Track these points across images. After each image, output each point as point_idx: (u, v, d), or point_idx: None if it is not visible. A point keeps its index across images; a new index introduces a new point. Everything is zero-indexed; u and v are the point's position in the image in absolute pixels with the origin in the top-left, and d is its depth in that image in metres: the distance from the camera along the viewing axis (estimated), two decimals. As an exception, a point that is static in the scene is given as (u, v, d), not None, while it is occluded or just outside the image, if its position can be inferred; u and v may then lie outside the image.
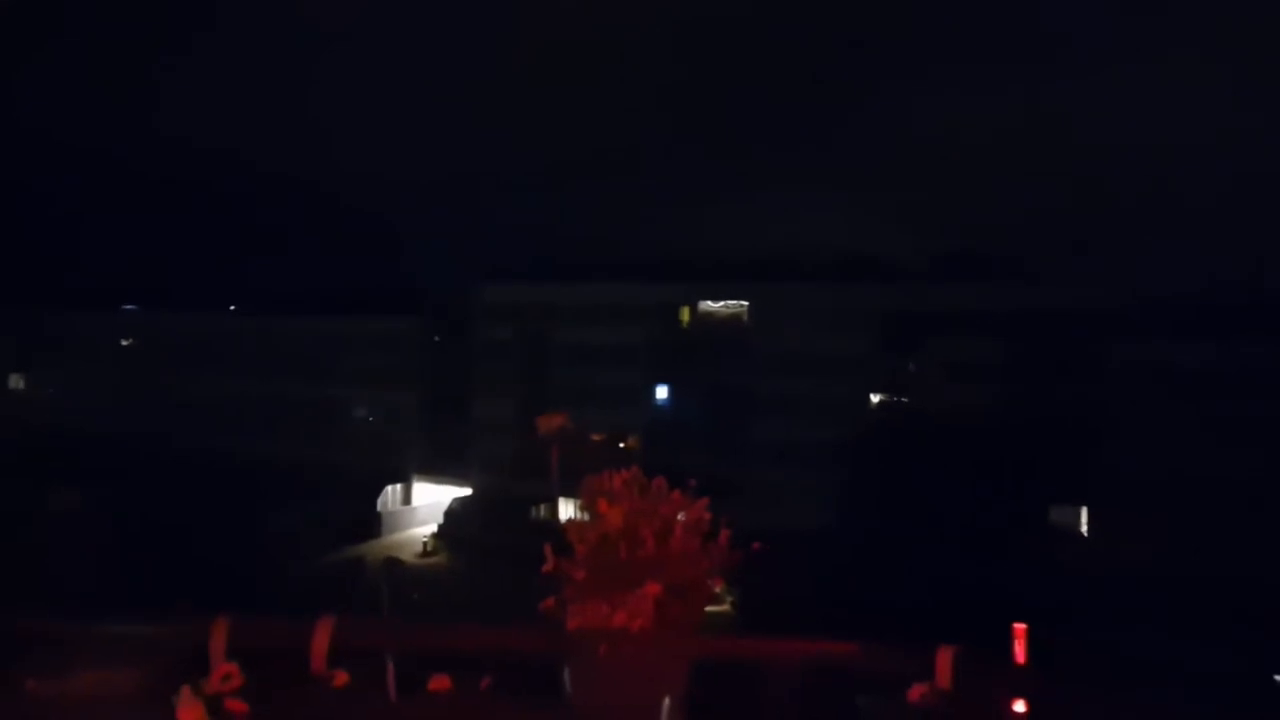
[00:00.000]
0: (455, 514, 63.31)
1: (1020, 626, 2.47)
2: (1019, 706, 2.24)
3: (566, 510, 2.38)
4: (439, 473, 66.43)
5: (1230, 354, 46.81)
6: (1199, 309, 49.22)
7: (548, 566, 2.23)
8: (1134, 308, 49.86)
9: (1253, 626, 37.73)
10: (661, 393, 61.19)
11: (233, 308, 79.24)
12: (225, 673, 2.30)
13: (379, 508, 64.14)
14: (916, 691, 2.23)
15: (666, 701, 2.24)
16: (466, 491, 65.20)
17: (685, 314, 61.02)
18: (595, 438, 57.30)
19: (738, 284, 60.63)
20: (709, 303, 60.60)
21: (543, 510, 56.49)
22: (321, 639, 2.35)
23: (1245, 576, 43.56)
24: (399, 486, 66.57)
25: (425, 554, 59.18)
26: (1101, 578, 43.27)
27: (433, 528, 62.86)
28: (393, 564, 54.81)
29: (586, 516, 2.29)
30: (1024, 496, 40.99)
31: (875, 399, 56.30)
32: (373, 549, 58.36)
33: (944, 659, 2.23)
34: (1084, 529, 48.05)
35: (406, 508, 66.44)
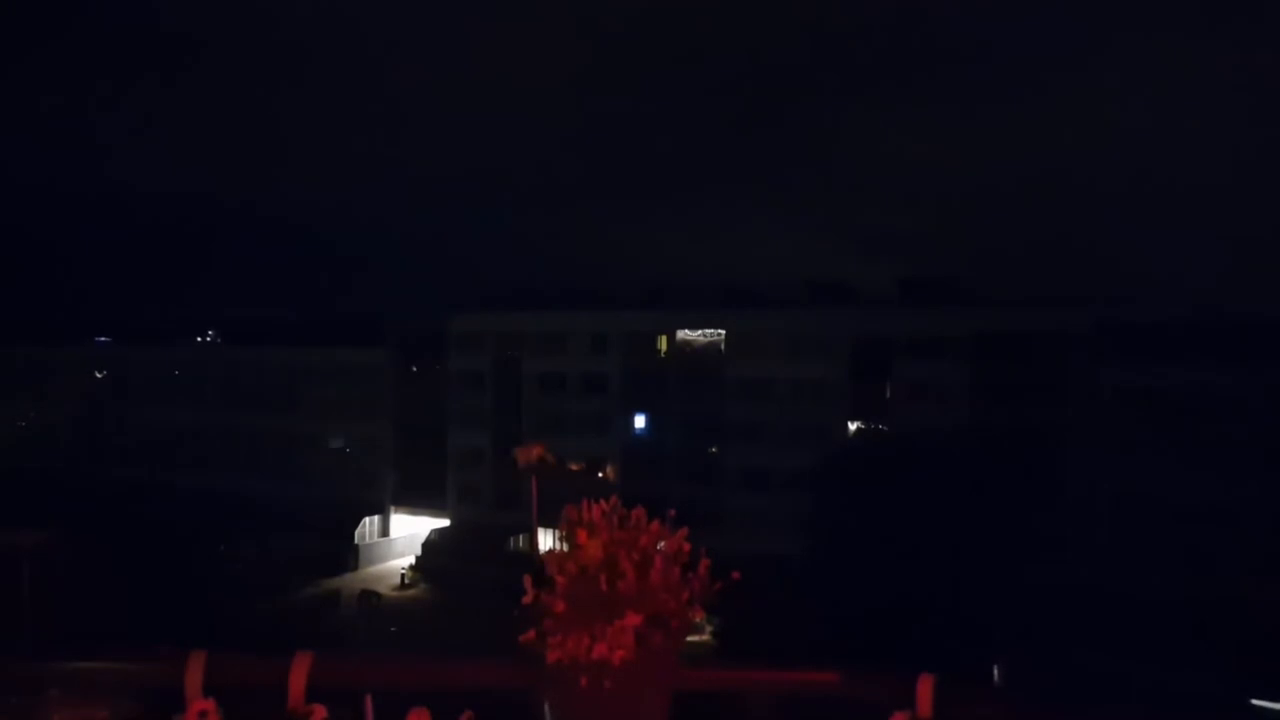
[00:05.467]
0: (433, 546, 62.92)
1: (1000, 655, 2.48)
2: (1000, 734, 2.25)
3: (546, 541, 2.38)
4: (417, 504, 66.02)
5: (1197, 376, 47.32)
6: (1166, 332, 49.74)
7: (527, 598, 2.23)
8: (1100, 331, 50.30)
9: (1231, 651, 37.89)
10: (639, 421, 61.14)
11: (203, 339, 78.76)
12: (201, 709, 2.27)
13: (356, 540, 63.67)
14: (897, 719, 2.23)
15: (648, 733, 2.23)
16: (445, 523, 64.78)
17: (663, 343, 61.09)
18: (574, 467, 57.12)
19: (712, 312, 60.88)
20: (685, 331, 60.71)
21: (521, 541, 56.24)
22: (299, 674, 2.33)
23: (1218, 599, 43.82)
24: (376, 518, 66.10)
25: (403, 586, 58.78)
26: (1080, 600, 43.43)
27: (411, 560, 62.42)
28: (370, 597, 54.55)
29: (566, 547, 2.28)
30: (999, 518, 41.16)
31: (853, 426, 56.50)
32: (350, 582, 57.91)
33: (924, 687, 2.24)
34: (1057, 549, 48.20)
35: (384, 540, 66.00)
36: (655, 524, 2.29)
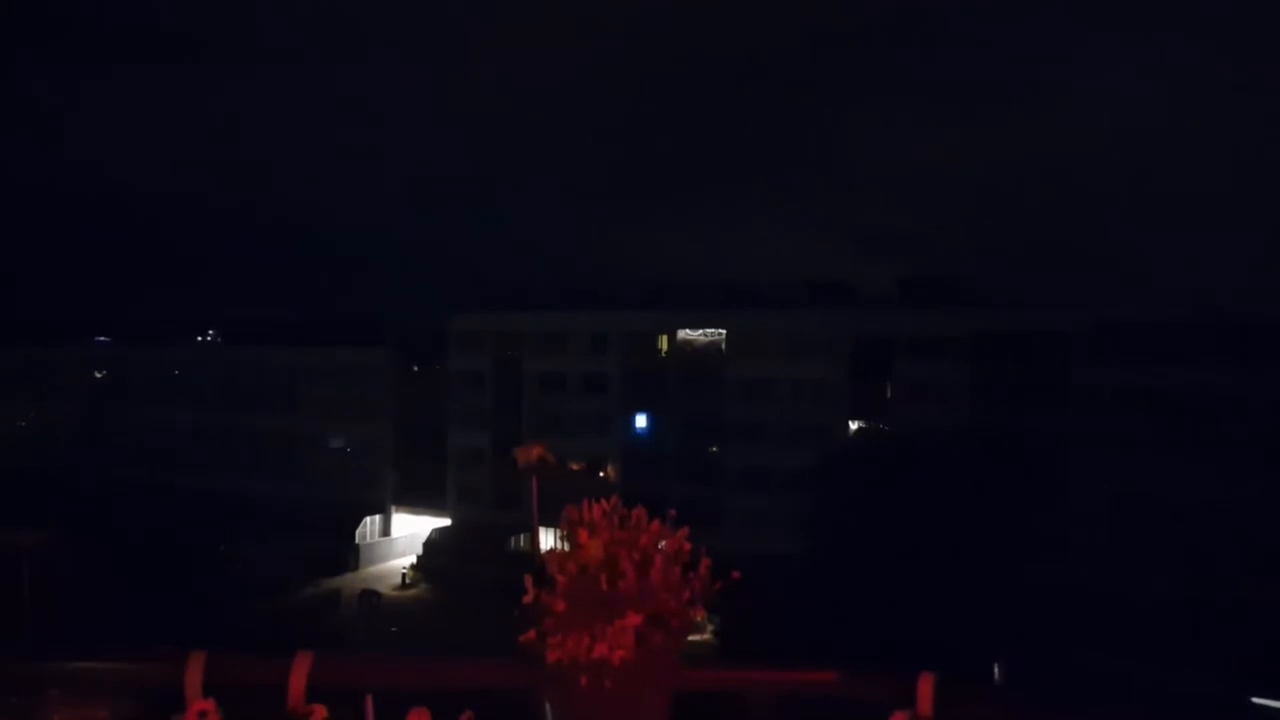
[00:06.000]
0: (434, 545, 62.94)
1: (1000, 655, 2.48)
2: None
3: (547, 541, 2.37)
4: (417, 504, 66.02)
5: (1197, 376, 47.29)
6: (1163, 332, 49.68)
7: (527, 598, 2.22)
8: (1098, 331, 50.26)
9: (1231, 651, 37.92)
10: (639, 421, 61.13)
11: (203, 338, 78.76)
12: (201, 709, 2.27)
13: (357, 540, 63.68)
14: (898, 719, 2.22)
15: (648, 733, 2.23)
16: (446, 522, 64.78)
17: (663, 343, 61.09)
18: (574, 467, 57.08)
19: (712, 312, 60.86)
20: (686, 331, 60.70)
21: (522, 541, 56.25)
22: (299, 674, 2.33)
23: (1218, 600, 43.84)
24: (377, 518, 66.10)
25: (404, 586, 58.80)
26: (1080, 600, 43.46)
27: (411, 559, 62.44)
28: (370, 597, 54.61)
29: (566, 547, 2.28)
30: (1000, 519, 41.22)
31: (853, 426, 56.50)
32: (350, 581, 57.92)
33: (925, 686, 2.23)
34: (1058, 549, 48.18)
35: (385, 539, 66.01)
36: (656, 523, 2.29)
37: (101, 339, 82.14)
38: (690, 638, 2.29)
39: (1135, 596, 46.25)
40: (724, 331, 59.32)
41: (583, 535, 2.24)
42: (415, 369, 68.36)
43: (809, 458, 53.28)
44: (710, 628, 34.49)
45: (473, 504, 63.88)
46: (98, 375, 79.45)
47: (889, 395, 54.54)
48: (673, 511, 2.31)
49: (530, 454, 3.48)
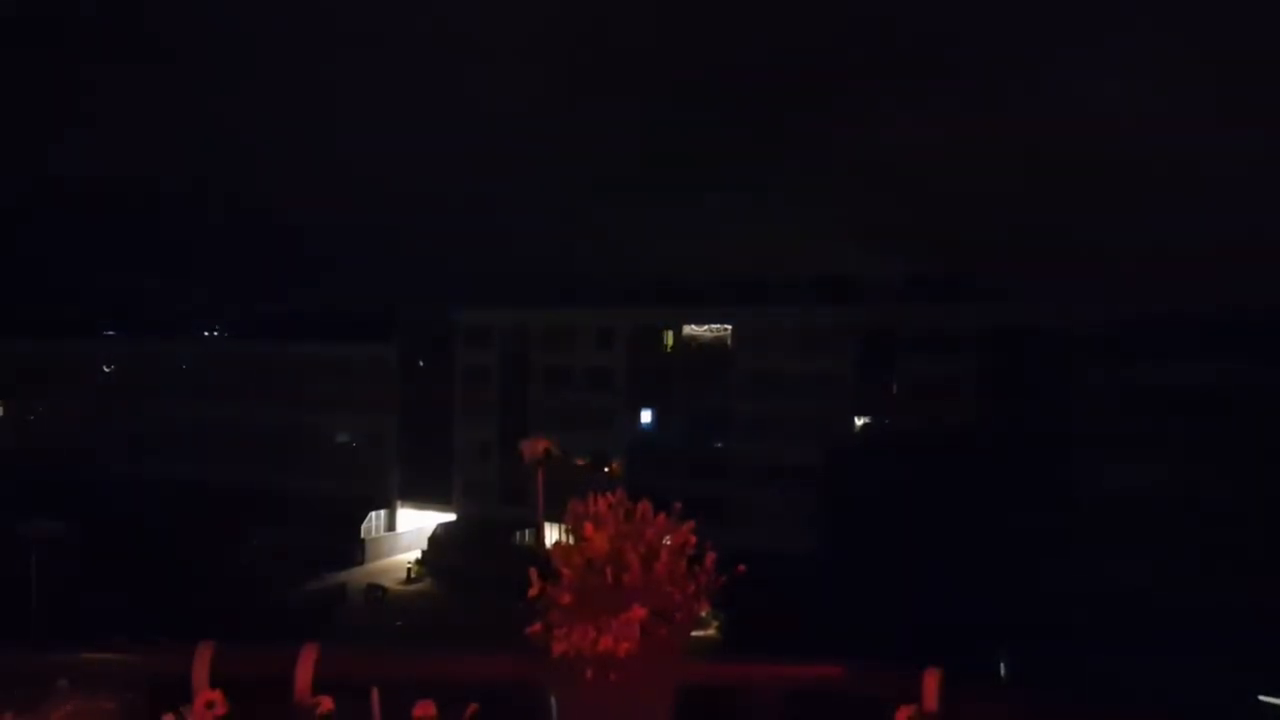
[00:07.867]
0: (439, 540, 63.03)
1: (1005, 651, 2.48)
2: (1006, 728, 2.25)
3: (552, 536, 2.38)
4: (423, 499, 66.11)
5: (1203, 373, 47.16)
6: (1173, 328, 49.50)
7: (532, 591, 2.23)
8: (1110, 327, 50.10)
9: (1235, 650, 37.81)
10: (645, 416, 61.17)
11: (210, 333, 78.93)
12: (208, 700, 2.28)
13: (363, 534, 63.77)
14: (903, 714, 2.23)
15: (653, 726, 2.23)
16: (451, 517, 64.87)
17: (669, 337, 61.07)
18: (579, 462, 57.20)
19: (718, 306, 60.81)
20: (692, 326, 60.67)
21: (527, 536, 56.30)
22: (306, 666, 2.34)
23: (1227, 597, 43.74)
24: (383, 513, 66.19)
25: (409, 580, 58.91)
26: (1086, 598, 43.38)
27: (417, 554, 62.53)
28: (375, 591, 54.69)
29: (572, 540, 2.28)
30: (1007, 516, 41.19)
31: (860, 421, 56.47)
32: (356, 576, 58.06)
33: (930, 681, 2.24)
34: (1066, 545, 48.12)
35: (390, 534, 66.09)
36: (661, 517, 2.29)
37: (110, 333, 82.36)
38: (695, 632, 2.29)
39: (1141, 594, 46.20)
40: (730, 327, 59.29)
41: (588, 529, 2.25)
42: (422, 364, 68.44)
43: (815, 453, 53.25)
44: (715, 622, 34.54)
45: (478, 499, 63.94)
46: (105, 370, 79.64)
47: (896, 391, 54.48)
48: (678, 505, 2.31)
49: (536, 448, 3.48)
